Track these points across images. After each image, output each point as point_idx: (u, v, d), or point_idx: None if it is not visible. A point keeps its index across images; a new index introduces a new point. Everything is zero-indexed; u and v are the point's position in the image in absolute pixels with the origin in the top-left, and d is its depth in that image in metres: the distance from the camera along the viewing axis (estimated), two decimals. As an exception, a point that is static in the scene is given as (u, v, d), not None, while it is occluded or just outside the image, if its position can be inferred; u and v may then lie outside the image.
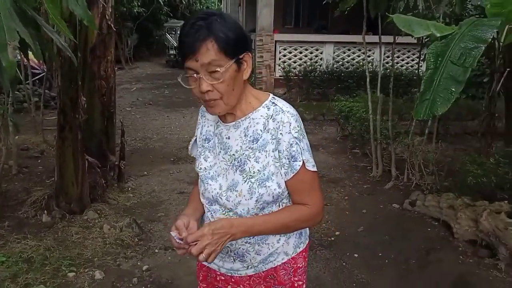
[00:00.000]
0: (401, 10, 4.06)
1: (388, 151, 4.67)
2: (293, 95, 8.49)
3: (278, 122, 1.17)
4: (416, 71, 5.94)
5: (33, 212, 3.44)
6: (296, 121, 1.19)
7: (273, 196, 1.20)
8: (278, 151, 1.18)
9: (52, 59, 2.90)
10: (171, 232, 1.16)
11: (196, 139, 1.35)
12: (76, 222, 3.37)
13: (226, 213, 1.25)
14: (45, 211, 3.42)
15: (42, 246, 2.98)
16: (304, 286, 1.40)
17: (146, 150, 5.63)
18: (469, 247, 3.11)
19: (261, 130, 1.19)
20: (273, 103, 1.22)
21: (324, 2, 4.45)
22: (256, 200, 1.19)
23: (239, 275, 1.32)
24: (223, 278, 1.35)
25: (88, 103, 3.94)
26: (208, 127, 1.31)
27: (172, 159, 5.21)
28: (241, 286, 1.33)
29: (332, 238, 3.36)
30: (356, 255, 3.12)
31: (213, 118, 1.30)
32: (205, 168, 1.27)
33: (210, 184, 1.25)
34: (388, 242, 3.27)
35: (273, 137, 1.18)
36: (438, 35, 2.16)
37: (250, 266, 1.30)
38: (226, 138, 1.24)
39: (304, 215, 1.23)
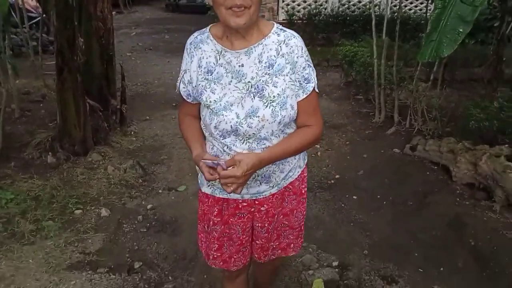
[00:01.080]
0: None
1: (392, 97, 4.62)
2: (296, 41, 8.27)
3: (291, 46, 1.26)
4: (425, 15, 5.73)
5: (38, 153, 3.48)
6: (304, 46, 1.29)
7: (289, 118, 1.30)
8: (294, 73, 1.26)
9: (46, 2, 2.79)
10: (204, 161, 1.24)
11: (186, 74, 1.33)
12: (80, 164, 3.43)
13: (245, 141, 1.30)
14: (50, 153, 3.47)
15: (49, 185, 3.06)
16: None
17: (147, 95, 5.60)
18: (467, 190, 3.16)
19: (274, 55, 1.25)
20: (281, 29, 1.29)
21: None
22: (279, 123, 1.28)
23: (264, 196, 1.42)
24: (245, 204, 1.43)
25: (86, 45, 3.86)
26: (207, 58, 1.28)
27: (174, 104, 5.18)
28: (264, 205, 1.44)
29: (332, 181, 3.43)
30: (355, 197, 3.19)
31: (213, 49, 1.28)
32: (214, 100, 1.27)
33: (225, 115, 1.26)
34: (387, 185, 3.33)
35: (287, 61, 1.26)
36: (449, -28, 2.04)
37: (274, 185, 1.41)
38: (239, 66, 1.25)
39: (311, 136, 1.35)
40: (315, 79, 1.32)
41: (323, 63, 7.37)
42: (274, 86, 1.25)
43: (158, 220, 2.81)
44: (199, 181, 1.52)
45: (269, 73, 1.25)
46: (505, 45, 4.14)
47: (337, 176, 3.51)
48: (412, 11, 8.29)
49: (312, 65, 1.31)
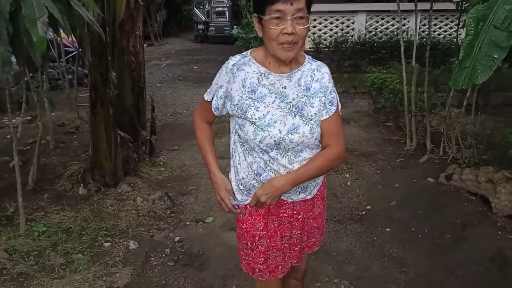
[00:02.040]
0: (439, -27, 3.81)
1: (423, 124, 4.49)
2: (323, 68, 8.28)
3: (323, 73, 1.48)
4: (455, 40, 5.63)
5: (70, 185, 3.57)
6: (330, 74, 1.51)
7: (321, 134, 1.48)
8: (324, 96, 1.47)
9: (81, 34, 2.92)
10: (231, 201, 1.55)
11: (221, 89, 1.48)
12: (110, 195, 3.48)
13: (284, 154, 1.46)
14: (81, 184, 3.54)
15: (79, 217, 3.11)
16: None
17: (176, 125, 5.70)
18: (509, 223, 2.97)
19: (310, 80, 1.46)
20: (312, 59, 1.52)
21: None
22: (316, 138, 1.46)
23: (302, 199, 1.58)
24: (286, 215, 1.58)
25: (118, 78, 3.99)
26: (250, 79, 1.43)
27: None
28: (301, 213, 1.60)
29: (363, 212, 3.31)
30: (388, 229, 3.06)
31: (255, 71, 1.44)
32: (259, 117, 1.42)
33: (270, 131, 1.41)
34: (422, 217, 3.19)
35: (320, 86, 1.47)
36: (480, -3, 1.99)
37: (310, 193, 1.59)
38: (282, 87, 1.44)
39: (333, 155, 1.49)
40: (339, 103, 1.52)
41: (350, 90, 7.33)
42: (311, 107, 1.44)
43: (186, 253, 2.78)
44: (237, 199, 1.58)
45: (307, 95, 1.44)
46: (543, 69, 3.98)
47: (368, 207, 3.39)
48: (442, 36, 8.16)
49: (336, 90, 1.51)
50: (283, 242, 1.62)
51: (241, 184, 1.54)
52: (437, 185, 3.67)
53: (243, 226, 1.58)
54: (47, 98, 3.97)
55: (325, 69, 1.50)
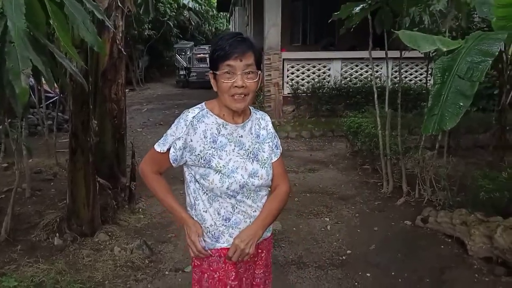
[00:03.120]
0: (406, 25, 4.09)
1: (398, 167, 4.63)
2: (301, 112, 8.51)
3: (266, 121, 1.67)
4: (425, 85, 5.93)
5: (45, 235, 3.47)
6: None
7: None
8: (271, 142, 1.64)
9: (63, 83, 2.97)
10: (201, 243, 1.55)
11: (179, 141, 1.52)
12: (87, 245, 3.39)
13: (249, 196, 1.56)
14: (57, 234, 3.45)
15: (54, 269, 3.00)
16: None
17: (156, 171, 5.66)
18: (485, 265, 3.03)
19: (258, 128, 1.62)
20: (255, 109, 1.68)
21: (330, 20, 4.50)
22: (270, 179, 1.61)
23: (263, 238, 1.64)
24: (252, 255, 1.58)
25: (99, 126, 4.02)
26: (210, 130, 1.53)
27: (181, 179, 5.22)
28: (264, 251, 1.69)
29: (344, 257, 3.32)
30: (368, 274, 3.06)
31: (214, 122, 1.53)
32: (223, 165, 1.51)
33: (234, 177, 1.51)
34: (401, 261, 3.21)
35: (267, 132, 1.64)
36: (445, 49, 2.15)
37: (269, 230, 1.68)
38: (239, 136, 1.56)
39: (283, 195, 1.64)
40: (281, 146, 1.71)
41: (328, 133, 7.52)
42: (263, 152, 1.60)
43: (164, 305, 2.70)
44: (208, 243, 1.57)
45: (258, 142, 1.60)
46: (507, 114, 4.22)
47: (348, 251, 3.41)
48: (413, 81, 8.58)
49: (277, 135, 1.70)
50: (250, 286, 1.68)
51: (209, 232, 1.56)
52: (414, 228, 3.73)
53: (215, 275, 1.57)
54: (25, 145, 3.94)
55: (267, 117, 1.69)
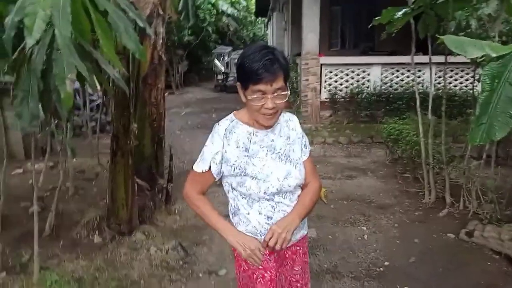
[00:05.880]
0: (452, 30, 3.92)
1: (442, 176, 4.42)
2: (339, 117, 8.37)
3: (294, 122, 1.70)
4: (471, 91, 5.66)
5: (86, 232, 3.60)
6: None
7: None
8: (301, 142, 1.68)
9: (106, 87, 3.08)
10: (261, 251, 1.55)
11: (218, 155, 1.57)
12: (125, 243, 3.47)
13: (286, 196, 1.61)
14: (97, 232, 3.57)
15: (93, 266, 3.10)
16: None
17: (193, 173, 5.74)
18: (537, 285, 2.82)
19: (287, 130, 1.66)
20: (282, 111, 1.65)
21: (370, 25, 4.40)
22: (304, 178, 1.66)
23: (301, 236, 1.73)
24: (291, 246, 1.70)
25: (139, 129, 4.12)
26: (242, 139, 1.58)
27: (217, 182, 5.27)
28: (301, 247, 1.76)
29: (381, 269, 3.20)
30: (407, 288, 2.94)
31: (244, 131, 1.59)
32: (258, 171, 1.56)
33: (270, 181, 1.56)
34: (443, 275, 3.05)
35: (297, 133, 1.68)
36: (494, 55, 2.03)
37: (305, 228, 1.77)
38: (271, 141, 1.61)
39: (315, 190, 1.70)
40: (309, 145, 1.75)
41: (367, 139, 7.34)
42: (294, 152, 1.64)
43: (197, 308, 2.71)
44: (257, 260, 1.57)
45: (289, 143, 1.64)
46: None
47: (386, 263, 3.28)
48: (458, 87, 8.22)
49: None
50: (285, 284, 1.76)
51: (256, 231, 1.61)
52: (458, 242, 3.54)
53: (266, 274, 1.62)
54: (70, 146, 4.12)
55: (295, 118, 1.72)
